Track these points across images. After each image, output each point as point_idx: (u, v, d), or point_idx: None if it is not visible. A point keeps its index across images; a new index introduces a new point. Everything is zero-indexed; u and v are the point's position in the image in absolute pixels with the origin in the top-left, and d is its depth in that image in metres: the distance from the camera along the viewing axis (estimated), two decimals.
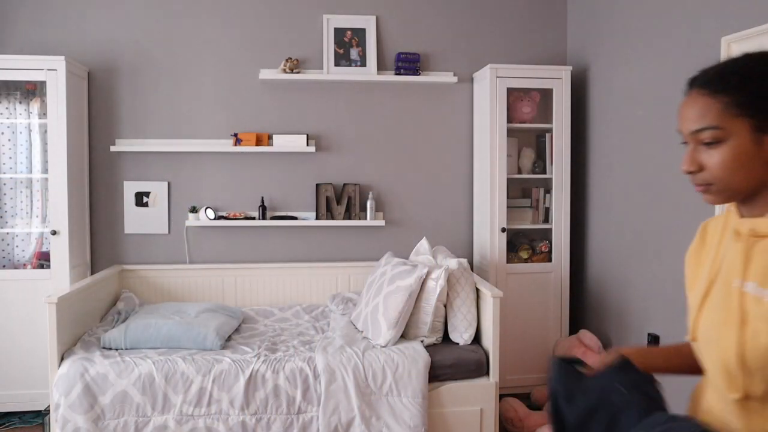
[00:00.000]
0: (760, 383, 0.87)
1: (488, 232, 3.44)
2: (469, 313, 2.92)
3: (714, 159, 0.90)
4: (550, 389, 1.09)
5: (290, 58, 3.53)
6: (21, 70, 3.13)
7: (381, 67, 3.66)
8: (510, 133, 3.48)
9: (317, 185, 3.59)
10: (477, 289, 2.99)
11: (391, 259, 3.19)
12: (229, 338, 2.99)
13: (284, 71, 3.53)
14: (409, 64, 3.62)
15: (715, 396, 0.98)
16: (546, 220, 3.58)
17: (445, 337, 2.99)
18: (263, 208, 3.56)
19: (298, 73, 3.55)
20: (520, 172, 3.61)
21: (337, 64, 3.61)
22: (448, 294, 2.93)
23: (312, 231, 3.69)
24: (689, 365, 1.12)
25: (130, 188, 3.54)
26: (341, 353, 2.70)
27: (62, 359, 2.66)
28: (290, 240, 3.68)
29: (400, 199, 3.75)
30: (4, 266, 3.31)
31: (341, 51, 3.61)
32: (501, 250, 3.44)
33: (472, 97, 3.76)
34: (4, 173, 3.30)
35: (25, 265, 3.32)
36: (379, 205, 3.72)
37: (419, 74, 3.64)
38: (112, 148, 3.47)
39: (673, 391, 1.19)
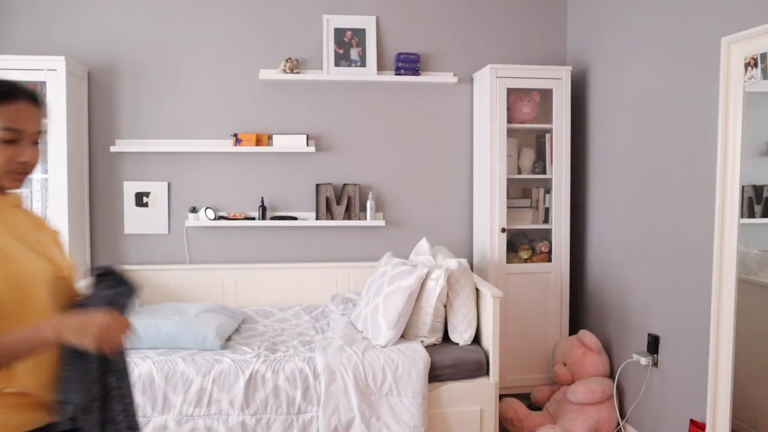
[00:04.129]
0: None
1: (488, 232, 3.44)
2: (469, 314, 2.92)
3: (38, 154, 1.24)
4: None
5: (290, 58, 3.53)
6: (21, 70, 3.13)
7: (381, 67, 3.66)
8: (510, 133, 3.48)
9: (317, 185, 3.59)
10: (477, 290, 2.99)
11: (391, 259, 3.19)
12: (229, 338, 2.99)
13: (284, 71, 3.53)
14: (409, 64, 3.62)
15: None
16: (546, 220, 3.58)
17: (445, 338, 2.99)
18: (263, 209, 3.56)
19: (298, 73, 3.55)
20: (520, 172, 3.61)
21: (337, 64, 3.61)
22: (448, 294, 2.93)
23: (312, 231, 3.69)
24: None
25: (130, 188, 3.54)
26: (341, 353, 2.70)
27: None
28: (290, 240, 3.68)
29: (400, 199, 3.75)
30: None
31: (341, 51, 3.61)
32: (501, 251, 3.43)
33: (472, 97, 3.76)
34: None
35: None
36: (379, 205, 3.72)
37: (419, 74, 3.64)
38: (112, 148, 3.48)
39: None
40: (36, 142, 1.24)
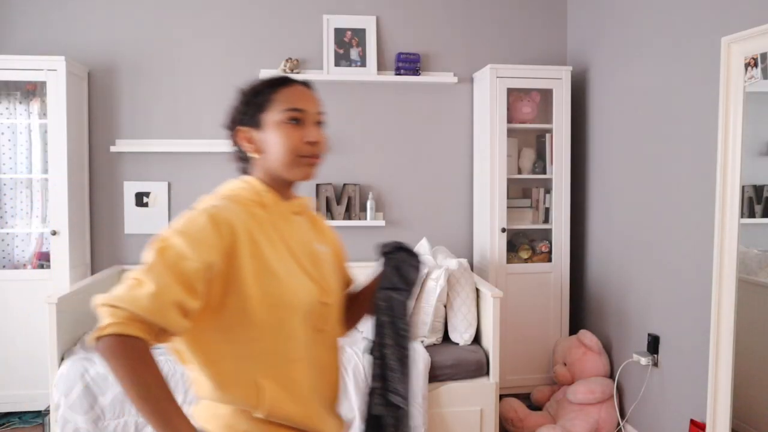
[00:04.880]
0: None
1: (488, 232, 3.44)
2: (469, 314, 2.92)
3: (323, 136, 1.22)
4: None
5: (290, 58, 3.53)
6: (21, 70, 3.13)
7: (381, 67, 3.66)
8: (510, 133, 3.48)
9: (317, 185, 3.59)
10: (477, 290, 2.99)
11: None
12: None
13: (284, 71, 3.53)
14: (409, 64, 3.61)
15: None
16: (546, 220, 3.58)
17: (445, 338, 2.99)
18: None
19: (298, 73, 3.55)
20: (520, 172, 3.61)
21: (337, 64, 3.61)
22: (448, 294, 2.93)
23: None
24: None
25: (130, 188, 3.54)
26: (341, 353, 2.70)
27: (62, 359, 2.65)
28: None
29: (400, 199, 3.75)
30: (4, 266, 3.31)
31: (341, 51, 3.61)
32: (501, 251, 3.43)
33: (472, 97, 3.76)
34: (4, 173, 3.30)
35: (25, 265, 3.32)
36: (379, 205, 3.72)
37: (419, 74, 3.64)
38: (112, 148, 3.47)
39: None
40: (319, 123, 1.21)
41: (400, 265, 1.28)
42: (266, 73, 3.52)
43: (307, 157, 1.17)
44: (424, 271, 1.28)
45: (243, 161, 1.23)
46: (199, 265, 1.00)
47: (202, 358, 1.08)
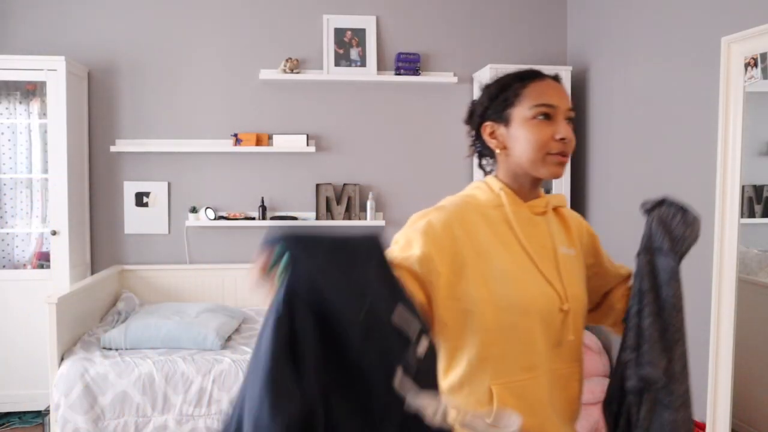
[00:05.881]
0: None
1: None
2: None
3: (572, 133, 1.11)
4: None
5: (290, 58, 3.53)
6: (21, 70, 3.13)
7: (381, 67, 3.66)
8: None
9: (317, 185, 3.59)
10: None
11: None
12: (229, 338, 2.99)
13: (284, 71, 3.53)
14: (409, 64, 3.62)
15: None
16: None
17: None
18: (263, 208, 3.56)
19: (298, 73, 3.55)
20: None
21: (337, 64, 3.61)
22: None
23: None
24: None
25: (130, 188, 3.54)
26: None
27: (62, 359, 2.65)
28: None
29: (400, 199, 3.75)
30: (4, 266, 3.31)
31: (341, 51, 3.61)
32: None
33: (472, 97, 3.75)
34: (4, 173, 3.30)
35: (25, 265, 3.32)
36: (379, 205, 3.72)
37: (419, 74, 3.63)
38: (112, 148, 3.47)
39: None
40: (569, 120, 1.11)
41: (665, 220, 1.10)
42: (266, 73, 3.53)
43: (555, 154, 1.09)
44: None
45: (482, 158, 1.23)
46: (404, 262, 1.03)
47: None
